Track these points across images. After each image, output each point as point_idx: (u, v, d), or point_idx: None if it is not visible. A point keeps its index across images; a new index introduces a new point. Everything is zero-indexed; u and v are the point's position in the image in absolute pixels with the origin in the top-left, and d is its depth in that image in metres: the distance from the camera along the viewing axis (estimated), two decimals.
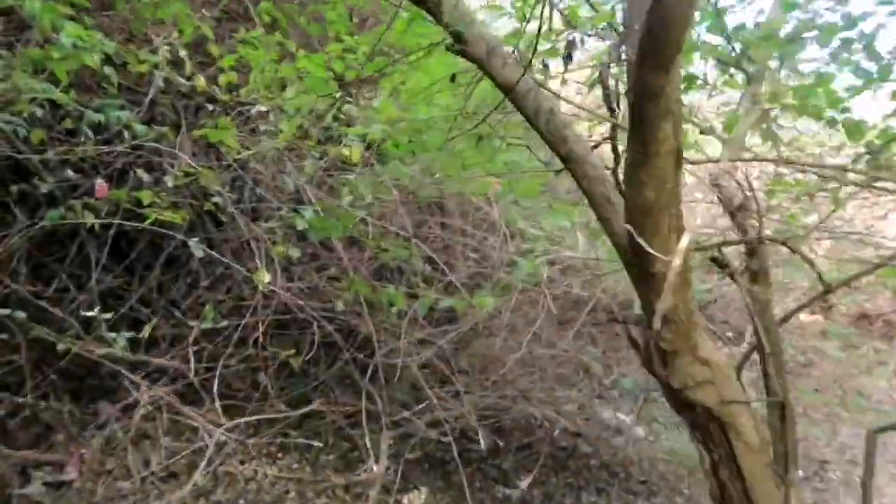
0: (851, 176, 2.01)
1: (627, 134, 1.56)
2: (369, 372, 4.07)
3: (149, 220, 2.78)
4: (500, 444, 4.69)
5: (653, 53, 1.29)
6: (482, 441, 3.92)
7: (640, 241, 1.61)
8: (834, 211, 2.06)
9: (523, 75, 1.78)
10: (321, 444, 3.93)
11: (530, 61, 1.80)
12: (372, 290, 3.29)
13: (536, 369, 4.91)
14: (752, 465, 1.97)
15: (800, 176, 2.25)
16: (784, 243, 2.17)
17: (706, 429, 1.98)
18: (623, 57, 1.97)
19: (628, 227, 1.67)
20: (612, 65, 2.05)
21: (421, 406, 3.77)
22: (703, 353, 1.88)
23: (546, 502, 4.73)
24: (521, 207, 3.92)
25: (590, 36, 2.05)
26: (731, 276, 2.24)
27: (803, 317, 6.85)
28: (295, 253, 2.98)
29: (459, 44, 1.87)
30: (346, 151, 2.69)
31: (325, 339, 4.02)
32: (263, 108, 3.41)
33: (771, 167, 2.37)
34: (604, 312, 5.84)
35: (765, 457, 1.99)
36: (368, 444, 3.92)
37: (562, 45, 2.18)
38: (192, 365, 3.48)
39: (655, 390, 6.22)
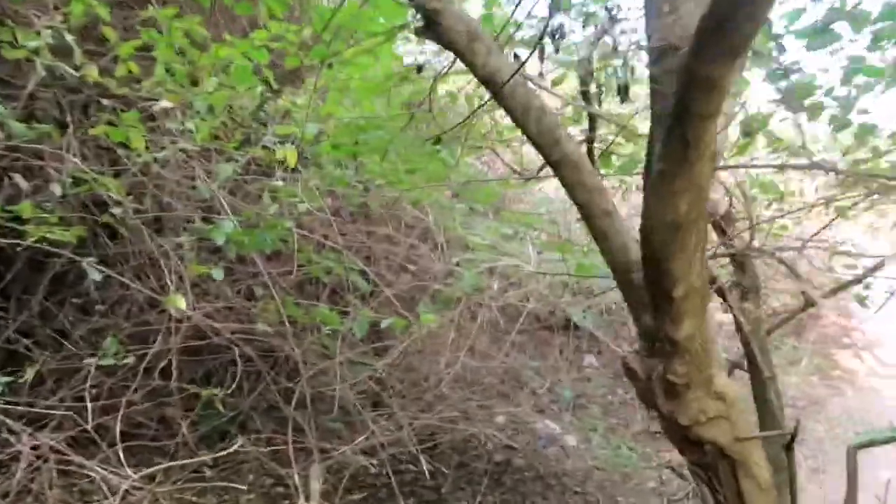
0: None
1: (659, 137, 1.30)
2: (295, 399, 3.66)
3: (31, 239, 2.27)
4: (437, 466, 4.41)
5: (719, 38, 1.03)
6: (424, 467, 3.60)
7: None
8: (834, 219, 1.92)
9: (521, 66, 1.48)
10: (243, 486, 3.47)
11: (532, 52, 1.51)
12: (304, 311, 2.90)
13: (472, 384, 4.66)
14: None
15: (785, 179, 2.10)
16: (774, 256, 1.99)
17: (713, 468, 1.76)
18: (616, 46, 1.72)
19: (651, 245, 1.41)
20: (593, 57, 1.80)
21: (362, 438, 3.39)
22: (718, 387, 1.65)
23: None
24: (463, 215, 3.63)
25: (576, 20, 1.79)
26: (721, 293, 2.03)
27: (719, 316, 6.98)
28: (218, 274, 2.55)
29: (434, 26, 1.55)
30: (278, 154, 2.30)
31: (245, 364, 3.58)
32: (169, 105, 2.94)
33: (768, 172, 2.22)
34: (537, 320, 5.68)
35: (772, 494, 1.79)
36: (297, 480, 3.51)
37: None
38: (88, 404, 2.96)
39: (583, 396, 6.14)
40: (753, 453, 1.72)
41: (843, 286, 2.11)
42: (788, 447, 1.82)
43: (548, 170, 1.87)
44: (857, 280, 2.13)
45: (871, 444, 2.34)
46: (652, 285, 1.51)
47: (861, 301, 2.46)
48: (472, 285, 3.37)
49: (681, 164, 1.24)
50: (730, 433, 1.69)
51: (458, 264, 3.64)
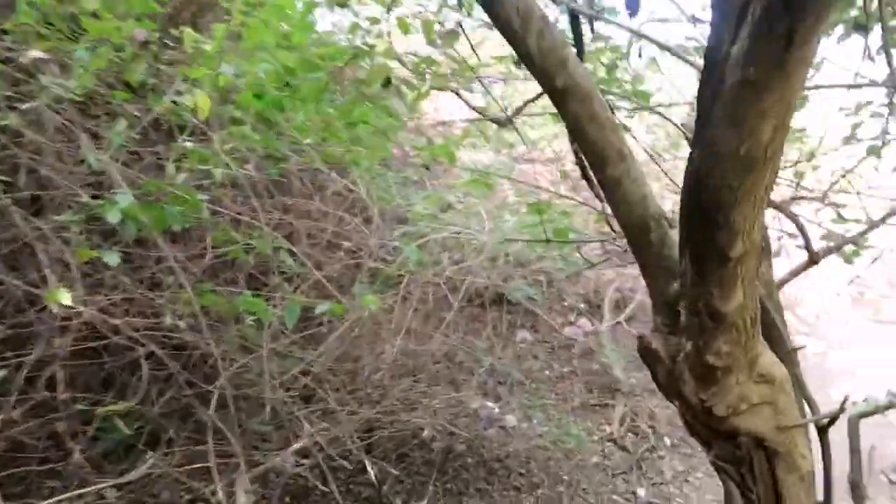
0: None
1: (731, 34, 0.95)
2: (214, 401, 3.17)
3: None
4: (376, 461, 4.03)
5: None
6: (368, 466, 3.21)
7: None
8: (866, 157, 1.68)
9: None
10: None
11: None
12: (223, 299, 2.43)
13: (412, 370, 4.29)
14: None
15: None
16: (779, 207, 1.72)
17: (748, 462, 1.47)
18: None
19: (709, 186, 1.07)
20: None
21: (299, 444, 2.95)
22: (763, 368, 1.36)
23: None
24: (397, 184, 3.22)
25: None
26: None
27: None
28: (112, 259, 2.03)
29: None
30: (187, 101, 1.81)
31: (152, 365, 3.06)
32: (41, 55, 2.37)
33: None
34: (477, 297, 5.36)
35: (810, 489, 1.53)
36: (221, 495, 3.04)
37: None
38: None
39: (520, 373, 5.89)
40: (799, 443, 1.44)
41: (847, 241, 1.88)
42: (825, 430, 1.56)
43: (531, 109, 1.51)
44: (864, 232, 1.90)
45: (874, 412, 2.15)
46: (698, 242, 1.18)
47: (849, 259, 2.27)
48: (417, 261, 2.98)
49: (776, 71, 0.90)
50: (773, 421, 1.40)
51: (396, 239, 3.24)
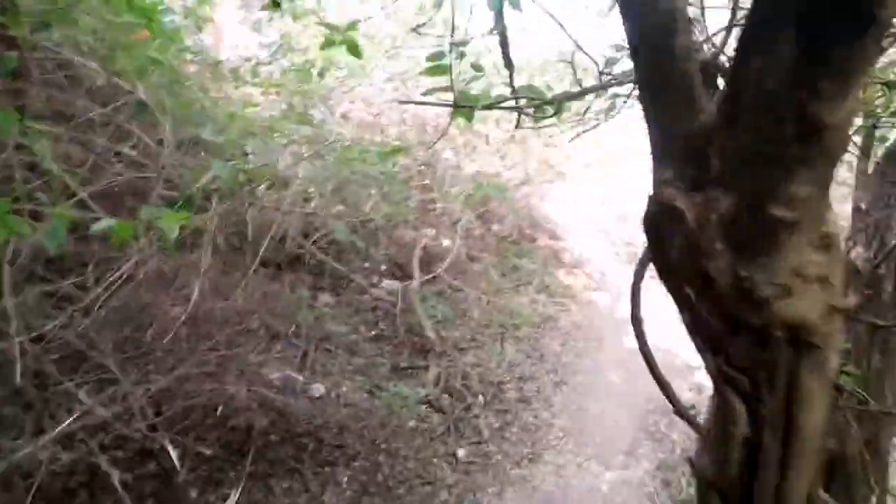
0: None
1: None
2: None
3: None
4: (164, 443, 3.20)
5: None
6: (172, 451, 2.44)
7: None
8: None
9: None
10: None
11: None
12: None
13: (203, 334, 3.49)
14: (814, 418, 1.16)
15: None
16: None
17: (770, 366, 1.10)
18: None
19: None
20: None
21: (66, 423, 2.12)
22: (829, 224, 0.98)
23: None
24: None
25: None
26: None
27: (447, 243, 6.73)
28: None
29: None
30: None
31: None
32: None
33: None
34: (284, 241, 4.62)
35: (828, 398, 1.20)
36: None
37: None
38: None
39: (324, 339, 5.27)
40: (836, 333, 1.10)
41: None
42: None
43: None
44: None
45: None
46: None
47: None
48: (227, 181, 2.28)
49: None
50: (821, 303, 1.03)
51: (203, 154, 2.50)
